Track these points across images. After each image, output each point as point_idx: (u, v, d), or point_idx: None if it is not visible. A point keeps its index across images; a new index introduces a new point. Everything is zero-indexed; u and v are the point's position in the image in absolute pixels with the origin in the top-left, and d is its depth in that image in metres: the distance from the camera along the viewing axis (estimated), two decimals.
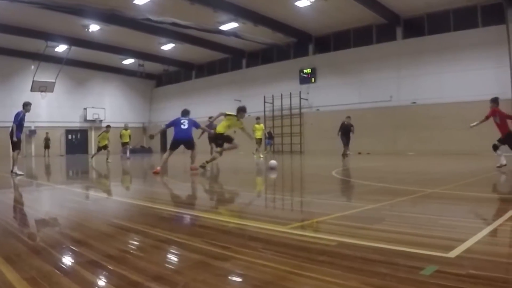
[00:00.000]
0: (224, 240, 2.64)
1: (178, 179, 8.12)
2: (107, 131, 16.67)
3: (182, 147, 9.26)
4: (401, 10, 19.11)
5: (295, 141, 23.44)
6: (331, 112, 21.04)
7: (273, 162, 9.82)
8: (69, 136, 30.25)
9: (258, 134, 17.53)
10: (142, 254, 2.41)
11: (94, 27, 21.11)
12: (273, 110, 24.15)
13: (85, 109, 30.43)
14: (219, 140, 9.58)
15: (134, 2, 17.54)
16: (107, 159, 15.82)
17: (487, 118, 8.28)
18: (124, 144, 18.39)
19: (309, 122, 22.87)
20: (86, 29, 21.18)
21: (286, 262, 2.10)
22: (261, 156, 16.87)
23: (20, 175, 8.92)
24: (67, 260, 2.29)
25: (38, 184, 7.85)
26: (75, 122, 30.24)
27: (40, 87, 24.14)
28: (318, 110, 22.58)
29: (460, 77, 17.32)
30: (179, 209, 4.33)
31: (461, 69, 17.41)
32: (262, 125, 18.46)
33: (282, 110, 23.72)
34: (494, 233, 2.72)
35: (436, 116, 17.64)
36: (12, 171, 9.09)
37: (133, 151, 20.45)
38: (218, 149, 9.71)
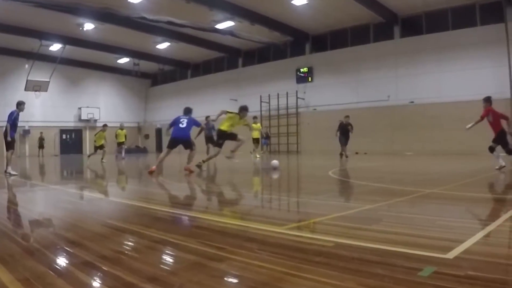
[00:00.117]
0: (220, 241, 2.63)
1: (173, 179, 8.09)
2: (103, 130, 16.52)
3: (181, 147, 9.13)
4: (399, 8, 19.05)
5: (292, 141, 23.40)
6: (328, 111, 21.02)
7: (275, 162, 9.73)
8: (64, 136, 30.07)
9: (256, 134, 17.52)
10: (137, 255, 2.39)
11: (88, 26, 20.97)
12: (269, 110, 24.12)
13: (80, 108, 30.25)
14: (222, 138, 9.51)
15: (129, 0, 17.45)
16: (102, 159, 15.75)
17: (482, 118, 8.27)
18: (120, 144, 18.29)
19: (306, 122, 22.83)
20: (81, 28, 21.04)
21: (282, 263, 2.10)
22: (258, 156, 16.85)
23: (14, 175, 8.86)
24: (61, 261, 2.27)
25: (32, 184, 7.80)
26: (69, 121, 30.06)
27: (34, 87, 23.98)
28: (315, 109, 22.55)
29: (458, 76, 17.28)
30: (174, 210, 4.31)
31: (459, 68, 17.38)
32: (259, 125, 18.44)
33: (278, 109, 23.70)
34: (492, 234, 2.71)
35: (434, 115, 17.60)
36: (5, 171, 9.01)
37: (128, 151, 20.34)
38: (216, 148, 9.67)
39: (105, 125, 16.84)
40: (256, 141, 18.27)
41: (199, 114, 20.18)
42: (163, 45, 25.21)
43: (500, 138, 8.16)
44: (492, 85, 15.88)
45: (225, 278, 1.96)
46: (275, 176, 8.43)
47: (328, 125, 19.48)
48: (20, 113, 9.30)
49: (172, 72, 32.09)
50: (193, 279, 1.89)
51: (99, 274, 2.01)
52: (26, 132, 26.81)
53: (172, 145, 8.97)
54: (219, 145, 9.59)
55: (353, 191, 5.87)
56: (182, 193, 6.24)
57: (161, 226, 3.24)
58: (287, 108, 23.34)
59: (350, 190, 6.16)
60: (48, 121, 28.17)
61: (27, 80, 23.69)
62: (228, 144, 9.71)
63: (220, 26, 20.32)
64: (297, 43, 23.25)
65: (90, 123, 30.38)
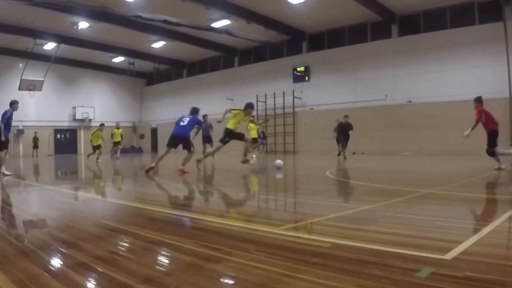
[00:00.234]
0: (216, 242, 2.61)
1: (169, 180, 8.05)
2: (100, 130, 16.36)
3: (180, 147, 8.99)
4: (396, 7, 19.01)
5: (289, 141, 23.35)
6: (325, 111, 20.99)
7: (279, 161, 9.61)
8: (58, 136, 29.90)
9: (253, 134, 17.50)
10: (132, 256, 2.38)
11: (83, 25, 20.86)
12: (266, 109, 24.07)
13: (74, 108, 30.09)
14: (229, 137, 9.47)
15: None
16: (97, 159, 15.68)
17: (477, 121, 8.11)
18: (116, 144, 18.19)
19: (303, 122, 22.78)
20: (75, 27, 20.94)
21: (279, 264, 2.09)
22: (254, 156, 16.83)
23: (8, 175, 8.79)
24: (56, 262, 2.25)
25: (27, 184, 7.74)
26: (64, 121, 29.90)
27: (28, 86, 23.84)
28: (312, 109, 22.50)
29: (456, 76, 17.23)
30: (170, 210, 4.30)
31: (457, 67, 17.34)
32: (256, 124, 18.41)
33: (275, 109, 23.61)
34: (491, 234, 2.70)
35: (432, 115, 17.53)
36: None
37: (123, 151, 20.24)
38: (219, 144, 9.61)
39: (102, 125, 16.68)
40: (254, 140, 18.23)
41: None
42: (158, 44, 25.13)
43: (491, 138, 8.11)
44: (491, 84, 15.89)
45: (222, 279, 1.95)
46: (279, 176, 8.37)
47: (325, 125, 19.45)
48: (14, 113, 9.23)
49: (168, 71, 31.99)
50: (189, 280, 1.88)
51: (94, 275, 2.00)
52: (20, 132, 26.64)
53: (171, 143, 8.83)
54: (223, 141, 9.55)
55: (351, 191, 5.87)
56: (178, 193, 6.21)
57: (156, 227, 3.22)
58: (283, 107, 23.29)
59: (347, 190, 6.16)
60: (42, 121, 28.00)
61: (21, 80, 23.54)
62: (228, 146, 9.67)
63: (216, 24, 20.28)
64: (293, 42, 23.21)
65: (84, 122, 30.23)
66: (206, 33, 21.55)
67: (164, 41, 24.38)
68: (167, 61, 29.63)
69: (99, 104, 31.07)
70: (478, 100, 8.34)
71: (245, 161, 9.76)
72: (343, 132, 14.57)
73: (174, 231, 3.08)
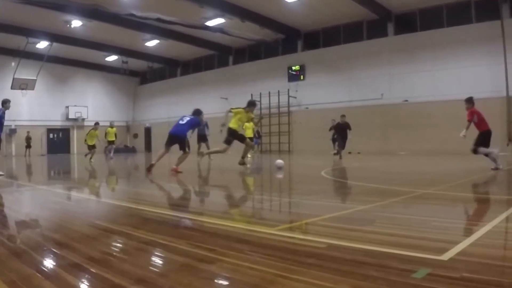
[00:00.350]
0: (210, 242, 2.60)
1: (163, 180, 8.02)
2: (95, 129, 16.16)
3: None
4: (392, 5, 18.96)
5: (284, 140, 23.29)
6: (320, 110, 20.99)
7: (280, 161, 9.53)
8: (51, 135, 29.70)
9: (248, 133, 17.46)
10: (126, 257, 2.37)
11: (76, 23, 20.72)
12: (260, 108, 23.84)
13: (67, 107, 29.90)
14: (232, 137, 9.46)
15: None
16: (90, 158, 15.57)
17: (469, 121, 8.03)
18: (110, 143, 18.06)
19: (298, 121, 22.74)
20: (68, 25, 20.79)
21: (273, 265, 2.08)
22: (249, 156, 16.80)
23: (0, 175, 8.71)
24: (49, 263, 2.24)
25: (19, 184, 7.67)
26: (56, 120, 29.71)
27: (20, 85, 23.69)
28: (307, 108, 22.46)
29: (453, 74, 17.19)
30: (164, 211, 4.28)
31: (454, 66, 17.29)
32: (252, 123, 18.37)
33: (270, 108, 23.57)
34: (488, 235, 2.68)
35: (428, 114, 17.47)
36: None
37: (116, 150, 20.12)
38: (224, 145, 9.59)
39: (96, 123, 16.48)
40: (250, 140, 18.18)
41: (188, 113, 20.15)
42: (152, 43, 25.03)
43: (481, 138, 8.10)
44: (488, 83, 15.90)
45: (215, 280, 1.94)
46: (279, 175, 8.32)
47: (320, 124, 19.45)
48: (6, 112, 9.14)
49: (161, 70, 31.88)
50: (182, 281, 1.87)
51: (87, 276, 1.98)
52: (13, 131, 26.44)
53: (169, 142, 8.74)
54: (228, 142, 9.50)
55: (346, 192, 5.87)
56: (172, 193, 6.19)
57: (150, 227, 3.20)
58: (278, 107, 23.26)
59: (343, 190, 6.16)
60: (35, 120, 27.82)
61: (13, 78, 23.37)
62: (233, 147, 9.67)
63: (210, 23, 20.24)
64: (288, 40, 23.15)
65: (77, 122, 30.05)
66: (200, 31, 21.51)
67: (158, 39, 24.29)
68: (161, 59, 29.53)
69: (92, 104, 30.89)
70: (469, 101, 8.27)
71: (242, 163, 9.76)
72: (341, 132, 14.36)
73: (168, 231, 3.07)
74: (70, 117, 29.86)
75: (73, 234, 3.01)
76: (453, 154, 15.01)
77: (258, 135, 21.90)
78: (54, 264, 2.22)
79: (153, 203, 4.93)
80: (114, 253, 2.47)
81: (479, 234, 2.67)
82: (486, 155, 8.13)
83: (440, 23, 18.17)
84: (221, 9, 18.94)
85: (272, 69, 23.77)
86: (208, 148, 14.48)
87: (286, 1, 18.25)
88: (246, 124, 17.01)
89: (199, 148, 14.76)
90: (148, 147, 31.32)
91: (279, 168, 9.25)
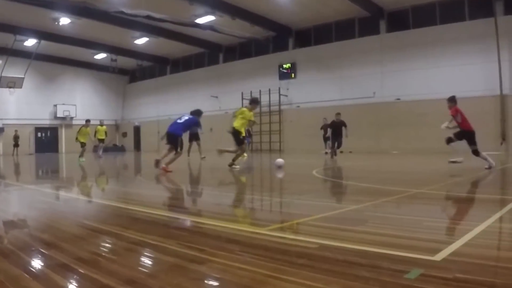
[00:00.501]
0: (200, 243, 2.59)
1: (152, 179, 7.98)
2: (86, 126, 15.85)
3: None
4: (384, 2, 18.89)
5: (274, 139, 23.20)
6: (311, 109, 20.94)
7: (280, 160, 9.47)
8: (39, 134, 29.35)
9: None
10: (115, 257, 2.35)
11: (64, 20, 20.49)
12: None
13: (55, 105, 29.56)
14: (234, 135, 9.45)
15: None
16: (79, 156, 15.42)
17: (453, 116, 8.12)
18: (99, 141, 17.89)
19: (289, 119, 22.65)
20: (56, 23, 20.54)
21: (264, 265, 2.07)
22: (245, 155, 16.77)
23: None
24: (37, 263, 2.22)
25: (6, 184, 7.57)
26: (44, 119, 29.36)
27: (8, 83, 23.42)
28: (298, 106, 22.41)
29: (446, 73, 17.11)
30: (153, 210, 4.25)
31: (447, 64, 17.23)
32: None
33: (260, 107, 23.35)
34: (481, 235, 2.68)
35: (421, 113, 17.35)
36: None
37: (105, 149, 19.96)
38: (242, 147, 9.57)
39: (88, 121, 16.19)
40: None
41: (179, 111, 20.07)
42: (141, 40, 24.84)
43: (464, 136, 8.15)
44: (481, 81, 15.90)
45: (206, 281, 1.94)
46: (280, 175, 8.26)
47: (311, 123, 19.42)
48: None
49: (151, 68, 31.68)
50: (172, 282, 1.86)
51: (75, 276, 1.97)
52: (0, 130, 26.09)
53: (167, 140, 8.66)
54: (240, 142, 9.47)
55: (338, 191, 5.87)
56: (161, 193, 6.17)
57: (139, 227, 3.18)
58: (269, 105, 23.11)
59: (335, 190, 6.15)
60: (22, 119, 27.46)
61: (0, 77, 23.11)
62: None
63: (200, 20, 20.12)
64: (279, 38, 23.02)
65: (66, 120, 29.73)
66: (190, 29, 21.39)
67: (147, 37, 24.10)
68: (150, 57, 29.33)
69: (80, 102, 30.60)
70: (452, 100, 8.30)
71: (232, 165, 9.74)
72: (336, 130, 14.17)
73: (157, 231, 3.05)
74: (58, 115, 29.53)
75: (62, 234, 2.98)
76: (446, 153, 15.01)
77: (248, 134, 21.88)
78: (42, 264, 2.20)
79: (142, 203, 4.90)
80: (103, 254, 2.45)
81: (472, 234, 2.66)
82: (476, 154, 8.22)
83: (433, 21, 18.08)
84: (211, 6, 18.87)
85: (263, 67, 23.65)
86: (199, 146, 14.47)
87: None
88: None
89: (190, 147, 14.71)
90: (137, 146, 31.11)
91: (279, 167, 9.17)
